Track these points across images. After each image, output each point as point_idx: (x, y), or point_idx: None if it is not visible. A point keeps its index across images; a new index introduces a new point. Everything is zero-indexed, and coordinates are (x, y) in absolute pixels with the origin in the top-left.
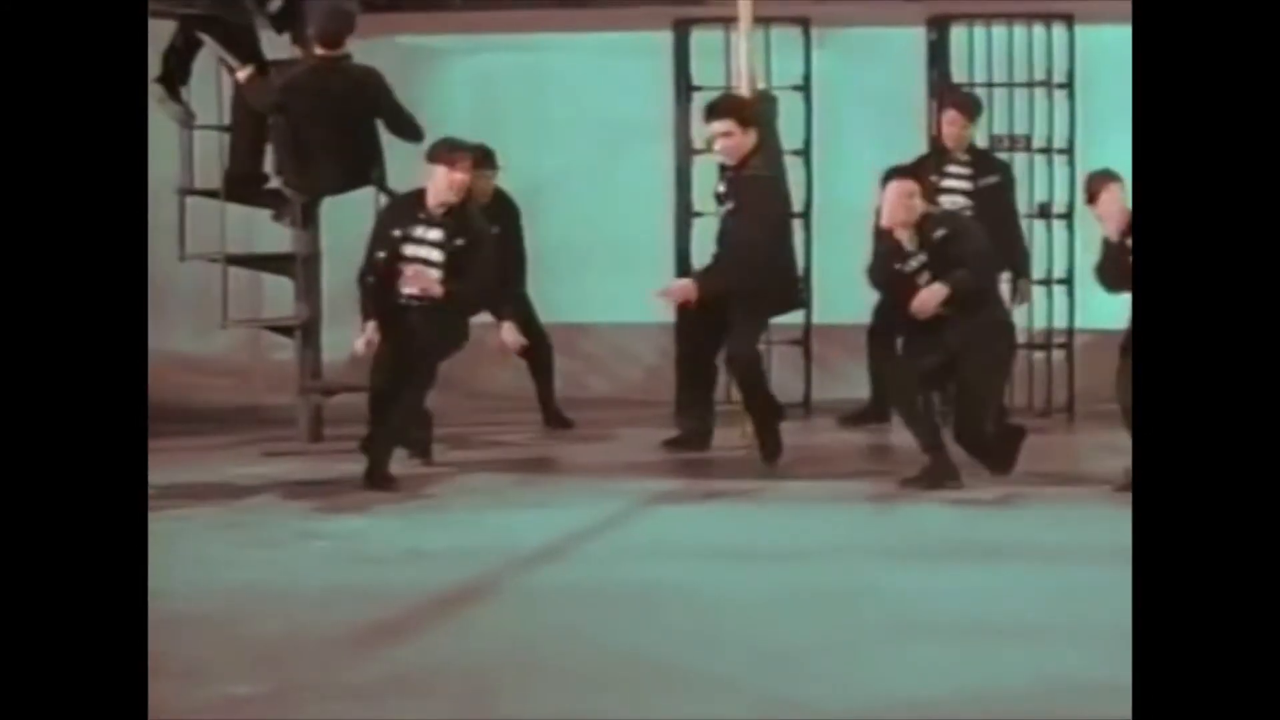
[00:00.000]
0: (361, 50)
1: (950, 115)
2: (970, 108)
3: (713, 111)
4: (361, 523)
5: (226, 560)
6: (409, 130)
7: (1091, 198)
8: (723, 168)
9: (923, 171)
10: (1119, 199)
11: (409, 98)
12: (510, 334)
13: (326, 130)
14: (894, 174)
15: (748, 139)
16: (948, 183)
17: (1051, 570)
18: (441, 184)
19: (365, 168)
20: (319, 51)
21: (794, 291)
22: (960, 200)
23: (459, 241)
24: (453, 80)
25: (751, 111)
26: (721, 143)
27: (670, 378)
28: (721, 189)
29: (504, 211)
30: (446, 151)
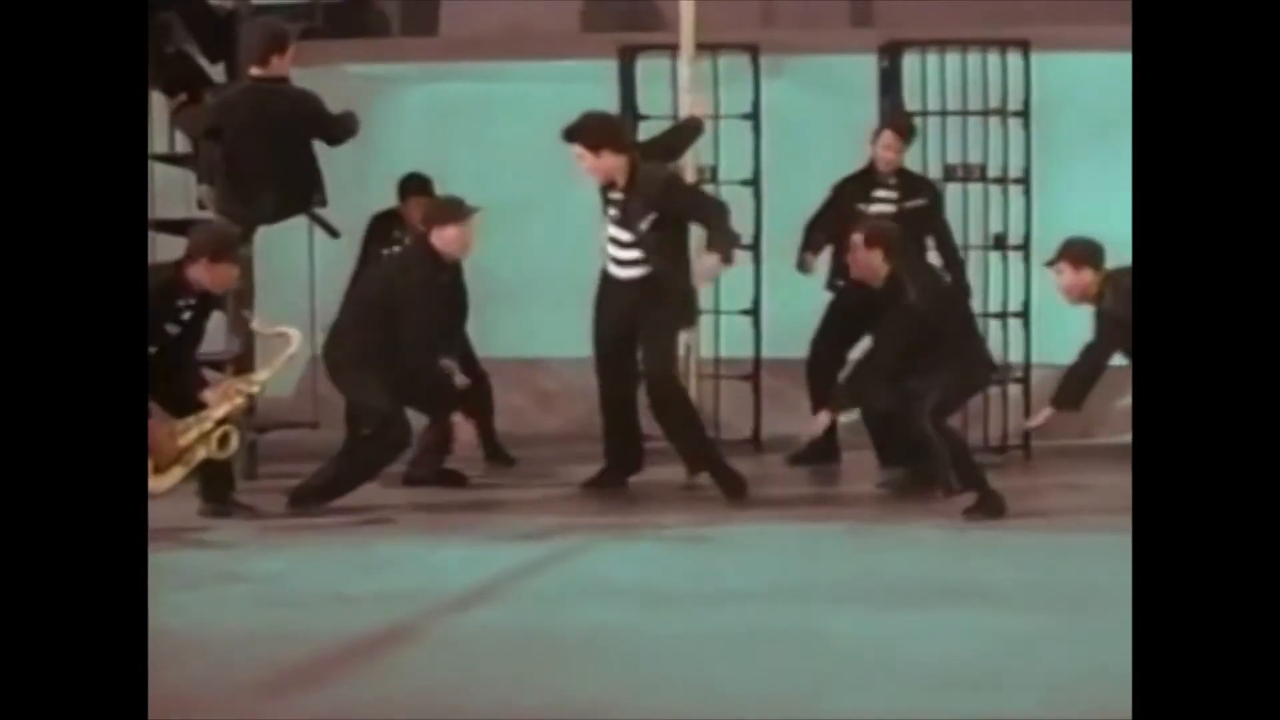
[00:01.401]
0: (309, 78)
1: (886, 138)
2: (907, 130)
3: (568, 134)
4: (286, 564)
5: None
6: (344, 132)
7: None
8: (605, 187)
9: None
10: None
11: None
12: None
13: (262, 154)
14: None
15: (612, 162)
16: (875, 207)
17: (1008, 615)
18: (456, 242)
19: (302, 194)
20: (254, 72)
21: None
22: None
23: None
24: (402, 109)
25: (612, 134)
26: (584, 164)
27: None
28: (615, 213)
29: None
30: (457, 209)
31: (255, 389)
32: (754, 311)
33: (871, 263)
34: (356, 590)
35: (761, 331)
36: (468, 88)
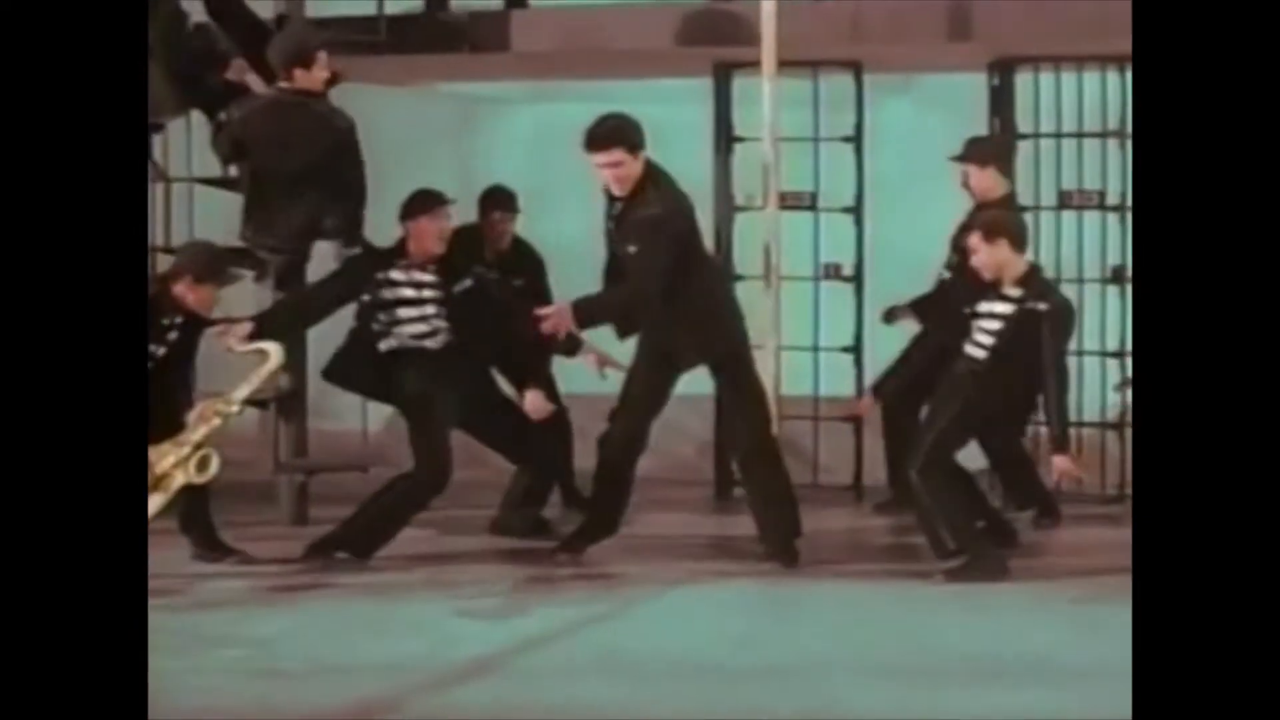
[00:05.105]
0: (400, 98)
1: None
2: (978, 158)
3: (595, 141)
4: (287, 625)
5: None
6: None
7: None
8: (611, 200)
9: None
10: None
11: (459, 150)
12: (536, 401)
13: (287, 172)
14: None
15: (637, 164)
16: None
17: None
18: (427, 236)
19: (336, 217)
20: (280, 84)
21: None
22: None
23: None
24: (501, 132)
25: (638, 134)
26: (611, 173)
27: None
28: (611, 226)
29: (526, 262)
30: (424, 202)
31: (234, 409)
32: (855, 349)
33: (996, 257)
34: (355, 659)
35: (864, 370)
36: (558, 109)
